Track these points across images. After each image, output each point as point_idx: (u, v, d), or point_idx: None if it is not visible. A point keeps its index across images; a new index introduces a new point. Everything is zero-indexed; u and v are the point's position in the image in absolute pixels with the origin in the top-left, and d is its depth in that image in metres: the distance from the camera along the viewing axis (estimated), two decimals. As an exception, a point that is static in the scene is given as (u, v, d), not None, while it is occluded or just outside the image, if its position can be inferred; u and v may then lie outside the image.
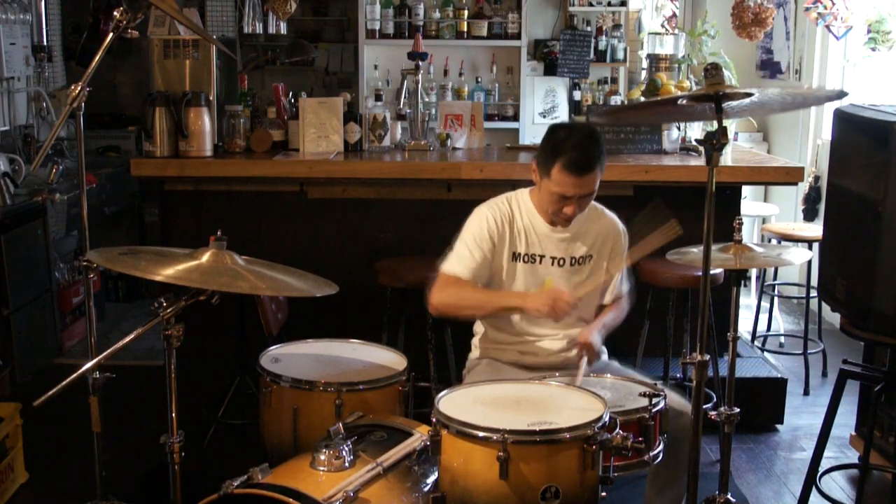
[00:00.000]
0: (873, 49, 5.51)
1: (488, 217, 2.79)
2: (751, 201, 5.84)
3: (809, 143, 5.97)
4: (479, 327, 2.97)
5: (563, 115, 6.82)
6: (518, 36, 6.53)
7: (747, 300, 5.51)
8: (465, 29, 6.52)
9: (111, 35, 2.71)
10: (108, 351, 2.15)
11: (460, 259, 2.77)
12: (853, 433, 3.83)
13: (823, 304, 4.61)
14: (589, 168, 2.65)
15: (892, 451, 3.43)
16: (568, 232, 2.82)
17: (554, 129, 2.78)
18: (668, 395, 2.61)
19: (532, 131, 6.54)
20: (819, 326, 4.92)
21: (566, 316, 2.66)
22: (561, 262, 2.82)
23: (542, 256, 2.81)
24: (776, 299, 5.38)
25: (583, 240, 2.84)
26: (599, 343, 2.79)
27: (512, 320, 2.86)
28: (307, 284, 2.36)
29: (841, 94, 2.28)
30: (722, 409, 2.63)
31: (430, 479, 2.30)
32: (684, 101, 2.30)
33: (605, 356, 2.97)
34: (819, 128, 5.89)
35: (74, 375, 2.11)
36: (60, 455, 3.74)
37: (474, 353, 2.97)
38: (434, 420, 2.18)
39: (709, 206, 2.24)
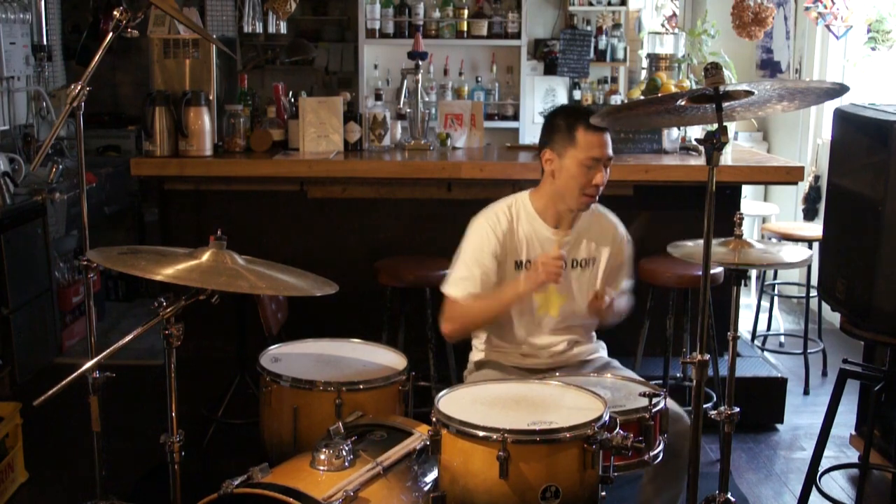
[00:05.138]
0: (873, 48, 5.51)
1: (488, 232, 2.77)
2: (751, 201, 5.85)
3: (809, 142, 5.98)
4: (479, 332, 2.96)
5: (563, 114, 6.80)
6: (518, 35, 6.53)
7: (747, 300, 5.51)
8: (465, 28, 6.51)
9: (111, 34, 2.71)
10: (108, 350, 2.15)
11: (463, 281, 2.75)
12: (853, 433, 3.83)
13: (823, 303, 4.61)
14: (605, 126, 2.69)
15: (892, 451, 3.42)
16: (571, 235, 2.81)
17: (557, 110, 2.83)
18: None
19: (532, 130, 6.54)
20: (819, 326, 4.92)
21: (562, 271, 2.66)
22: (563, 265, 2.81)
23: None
24: (776, 299, 5.38)
25: (585, 242, 2.84)
26: (610, 297, 2.79)
27: (514, 330, 2.85)
28: (307, 284, 2.36)
29: (843, 88, 2.27)
30: (722, 408, 2.63)
31: (430, 479, 2.30)
32: (683, 101, 2.30)
33: (604, 352, 2.97)
34: (819, 127, 5.89)
35: (74, 375, 2.11)
36: (60, 455, 3.75)
37: (476, 355, 2.96)
38: (434, 419, 2.18)
39: (709, 205, 2.24)
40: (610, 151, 2.72)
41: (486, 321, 2.82)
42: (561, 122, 2.72)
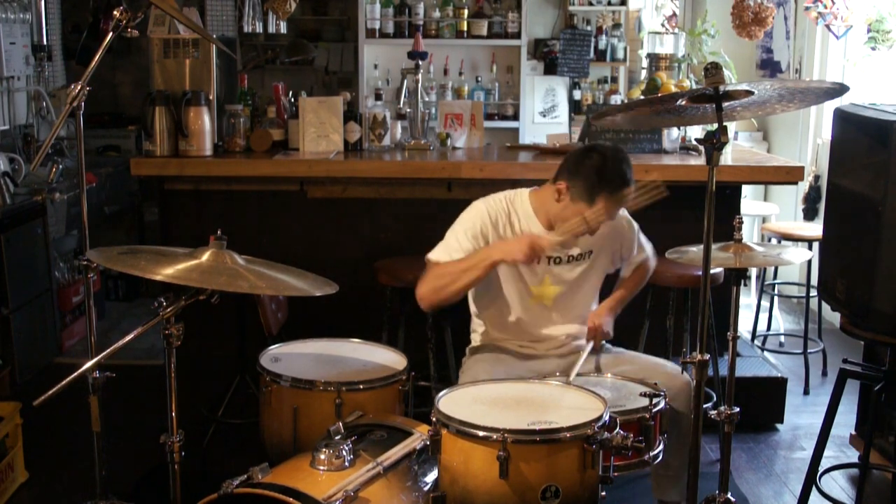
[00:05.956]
0: (873, 48, 5.51)
1: (485, 216, 2.78)
2: (751, 200, 5.84)
3: (809, 142, 5.98)
4: (477, 325, 2.96)
5: (563, 114, 6.81)
6: (518, 35, 6.53)
7: (747, 300, 5.51)
8: (465, 28, 6.52)
9: (111, 34, 2.71)
10: (108, 350, 2.15)
11: (448, 248, 2.76)
12: (853, 433, 3.83)
13: (823, 303, 4.61)
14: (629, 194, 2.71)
15: (892, 451, 3.43)
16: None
17: (589, 155, 2.72)
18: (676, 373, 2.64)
19: (532, 130, 6.54)
20: (819, 326, 4.91)
21: (542, 255, 2.69)
22: (557, 260, 2.83)
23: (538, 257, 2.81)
24: (776, 299, 5.38)
25: (581, 239, 2.84)
26: (610, 325, 2.83)
27: (513, 322, 2.85)
28: (307, 284, 2.36)
29: (843, 88, 2.28)
30: (722, 408, 2.63)
31: (430, 479, 2.30)
32: (684, 101, 2.30)
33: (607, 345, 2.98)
34: (819, 127, 5.89)
35: (74, 375, 2.11)
36: (60, 455, 3.74)
37: (474, 341, 2.97)
38: (434, 419, 2.18)
39: (709, 205, 2.24)
40: (616, 216, 2.76)
41: (458, 282, 2.71)
42: (592, 177, 2.67)
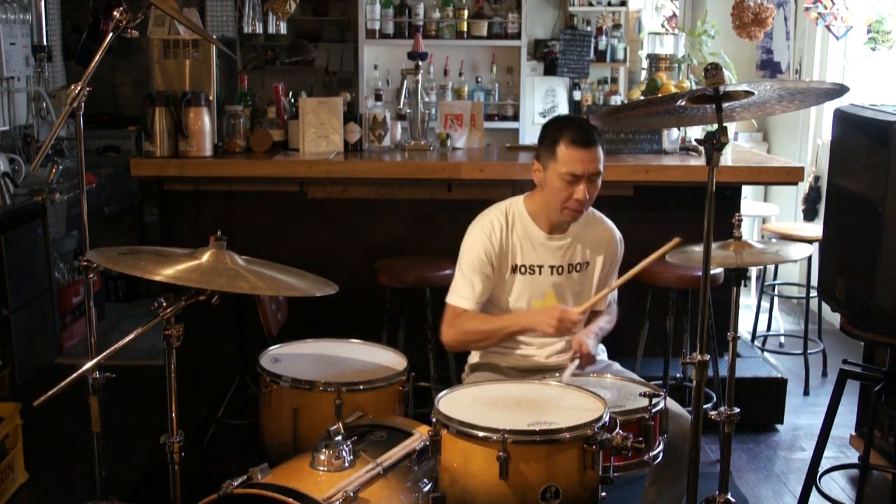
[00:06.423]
0: (873, 49, 5.52)
1: (483, 240, 2.78)
2: (751, 201, 5.85)
3: (809, 142, 5.98)
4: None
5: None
6: (518, 36, 6.53)
7: (747, 300, 5.51)
8: (465, 29, 6.51)
9: (111, 35, 2.71)
10: (108, 351, 2.15)
11: (463, 291, 2.77)
12: (853, 433, 3.83)
13: (823, 304, 4.62)
14: (592, 141, 2.66)
15: (892, 451, 3.43)
16: (565, 238, 2.81)
17: (549, 122, 2.81)
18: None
19: (532, 131, 6.53)
20: (819, 326, 4.92)
21: (573, 332, 2.67)
22: (559, 269, 2.82)
23: (540, 266, 2.81)
24: (776, 299, 5.38)
25: (580, 245, 2.84)
26: (594, 348, 2.77)
27: None
28: (307, 284, 2.36)
29: (843, 88, 2.27)
30: (722, 409, 2.63)
31: (430, 479, 2.30)
32: (684, 101, 2.30)
33: (604, 355, 2.97)
34: (819, 128, 5.89)
35: (74, 375, 2.11)
36: (60, 455, 3.75)
37: (472, 358, 2.96)
38: (434, 420, 2.18)
39: (709, 206, 2.24)
40: (596, 167, 2.68)
41: (487, 343, 2.82)
42: (548, 134, 2.72)
